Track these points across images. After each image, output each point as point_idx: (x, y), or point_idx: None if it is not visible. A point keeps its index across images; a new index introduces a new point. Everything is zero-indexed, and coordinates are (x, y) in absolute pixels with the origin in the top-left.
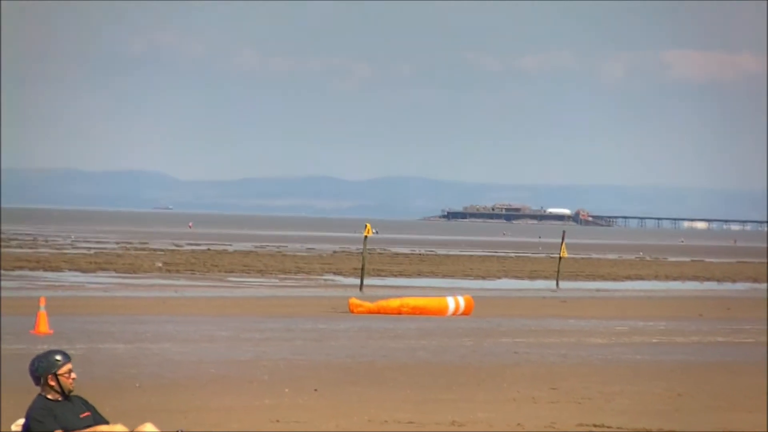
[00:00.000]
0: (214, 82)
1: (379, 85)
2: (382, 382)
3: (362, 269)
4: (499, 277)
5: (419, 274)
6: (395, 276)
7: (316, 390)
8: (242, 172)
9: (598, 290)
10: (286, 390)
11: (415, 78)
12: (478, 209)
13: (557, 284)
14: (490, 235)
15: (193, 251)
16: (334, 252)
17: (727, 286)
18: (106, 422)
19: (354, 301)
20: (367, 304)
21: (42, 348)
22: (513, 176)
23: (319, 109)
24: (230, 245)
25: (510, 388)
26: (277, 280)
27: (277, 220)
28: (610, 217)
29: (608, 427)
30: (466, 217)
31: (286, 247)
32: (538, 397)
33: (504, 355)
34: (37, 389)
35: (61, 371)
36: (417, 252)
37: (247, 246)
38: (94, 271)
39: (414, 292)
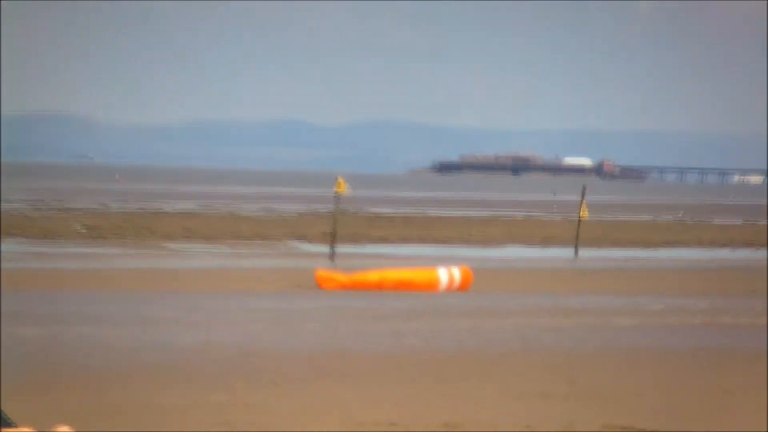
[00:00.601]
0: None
1: (358, 18)
2: (358, 375)
3: (333, 234)
4: (505, 244)
5: (404, 241)
6: (375, 242)
7: (275, 384)
8: (188, 116)
9: (626, 259)
10: (239, 384)
11: (403, 11)
12: (477, 160)
13: (576, 252)
14: (493, 191)
15: (122, 212)
16: (300, 213)
17: None
18: (11, 425)
19: (323, 273)
20: (340, 278)
21: None
22: (521, 121)
23: (288, 41)
24: (169, 204)
25: (517, 382)
26: (227, 248)
27: (230, 173)
28: (641, 168)
29: (639, 431)
30: (462, 170)
31: (240, 207)
32: (551, 393)
33: (510, 340)
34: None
35: None
36: (402, 213)
37: (190, 206)
38: None
39: (398, 263)
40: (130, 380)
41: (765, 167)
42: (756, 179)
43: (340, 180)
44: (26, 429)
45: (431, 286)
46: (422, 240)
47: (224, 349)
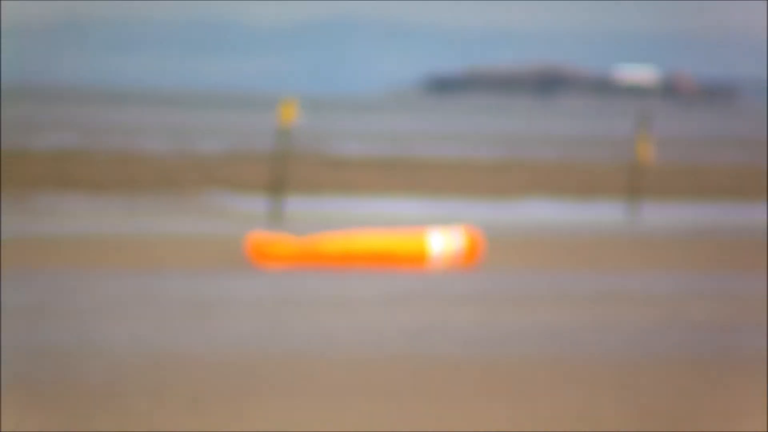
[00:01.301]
0: None
1: None
2: (309, 389)
3: (278, 183)
4: (529, 198)
5: (382, 193)
6: (338, 196)
7: (194, 404)
8: (62, 10)
9: (708, 220)
10: (143, 406)
11: None
12: (489, 73)
13: (633, 210)
14: (512, 119)
15: None
16: (229, 152)
17: None
18: None
19: (259, 240)
20: (285, 248)
21: None
22: (552, 16)
23: None
24: (36, 138)
25: (545, 400)
26: (121, 203)
27: (125, 93)
28: (732, 83)
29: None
30: (467, 89)
31: (142, 142)
32: (596, 416)
33: (535, 340)
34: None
35: None
36: (379, 153)
37: (68, 140)
38: None
39: (372, 226)
40: None
41: None
42: None
43: (288, 103)
44: None
45: (419, 259)
46: (408, 190)
47: (114, 352)
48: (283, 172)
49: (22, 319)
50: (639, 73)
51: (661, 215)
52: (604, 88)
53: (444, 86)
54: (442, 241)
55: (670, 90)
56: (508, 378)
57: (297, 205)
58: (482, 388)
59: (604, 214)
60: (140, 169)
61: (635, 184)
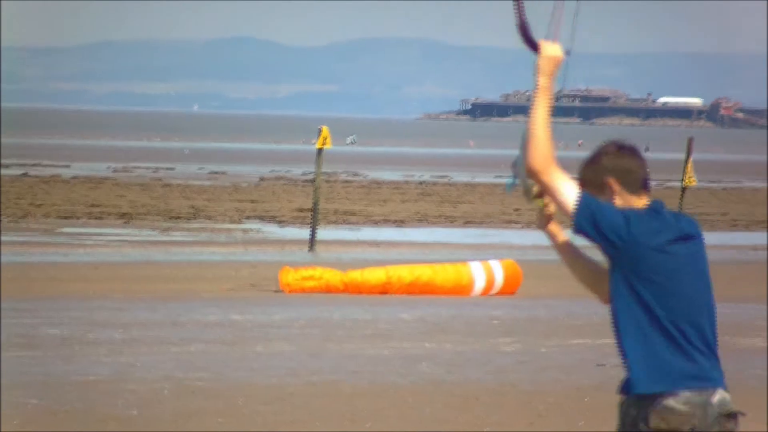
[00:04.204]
0: None
1: None
2: (352, 420)
3: (314, 211)
4: (569, 225)
5: (420, 220)
6: (376, 223)
7: (227, 427)
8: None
9: (754, 248)
10: None
11: None
12: (529, 98)
13: None
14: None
15: None
16: (261, 180)
17: None
18: None
19: (289, 273)
20: (322, 274)
21: None
22: (595, 40)
23: None
24: (67, 167)
25: (591, 428)
26: (155, 233)
27: (154, 119)
28: None
29: None
30: (507, 114)
31: (172, 170)
32: None
33: (579, 369)
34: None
35: None
36: (416, 179)
37: (97, 169)
38: None
39: (410, 255)
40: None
41: None
42: None
43: (324, 129)
44: None
45: (460, 288)
46: (446, 219)
47: (148, 382)
48: (318, 199)
49: (56, 349)
50: (684, 99)
51: (706, 240)
52: (648, 113)
53: (483, 111)
54: (482, 272)
55: (715, 115)
56: (549, 405)
57: (334, 234)
58: (517, 413)
59: None
60: (171, 197)
61: (679, 205)
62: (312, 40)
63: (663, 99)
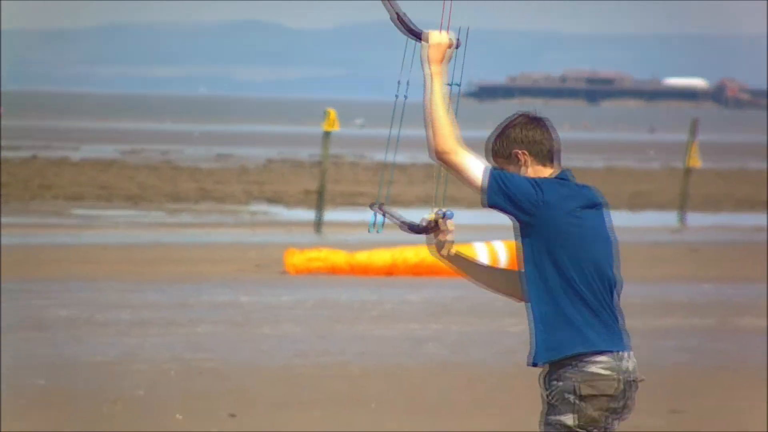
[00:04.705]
0: None
1: None
2: (359, 402)
3: (320, 193)
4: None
5: (426, 202)
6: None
7: (232, 416)
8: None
9: (757, 228)
10: (179, 416)
11: None
12: (535, 81)
13: (682, 218)
14: (558, 126)
15: (5, 160)
16: (268, 161)
17: None
18: None
19: (294, 254)
20: (327, 256)
21: None
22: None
23: None
24: (76, 149)
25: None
26: (163, 214)
27: (162, 102)
28: None
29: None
30: (513, 96)
31: (180, 152)
32: (652, 427)
33: None
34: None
35: None
36: (422, 161)
37: (106, 151)
38: None
39: (416, 237)
40: (22, 404)
41: None
42: None
43: (332, 112)
44: None
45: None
46: (453, 201)
47: (157, 363)
48: (325, 181)
49: (65, 330)
50: (689, 81)
51: (711, 222)
52: (653, 94)
53: (488, 94)
54: (487, 253)
55: (720, 97)
56: None
57: (339, 214)
58: (525, 396)
59: (651, 221)
60: (180, 179)
61: (684, 190)
62: (319, 24)
63: (668, 80)
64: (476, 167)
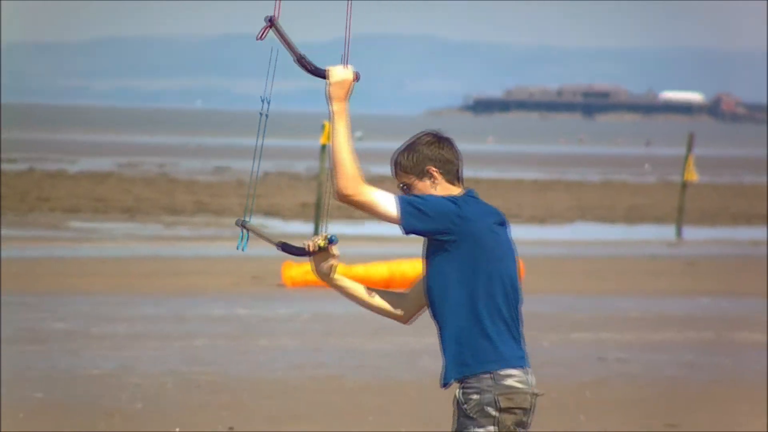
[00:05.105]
0: None
1: None
2: (355, 415)
3: (318, 206)
4: (571, 220)
5: None
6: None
7: (231, 429)
8: (92, 31)
9: (754, 242)
10: (177, 429)
11: None
12: (531, 94)
13: (679, 232)
14: (552, 141)
15: (3, 173)
16: (266, 174)
17: None
18: None
19: (292, 267)
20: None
21: None
22: (596, 36)
23: None
24: (72, 162)
25: (592, 425)
26: (160, 227)
27: (157, 114)
28: None
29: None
30: (509, 109)
31: (177, 165)
32: None
33: (580, 364)
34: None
35: None
36: None
37: (103, 164)
38: None
39: (415, 249)
40: (19, 416)
41: None
42: None
43: (328, 125)
44: None
45: None
46: None
47: (153, 376)
48: (323, 194)
49: (61, 343)
50: (685, 95)
51: (708, 236)
52: (649, 108)
53: (485, 107)
54: None
55: (717, 110)
56: (549, 400)
57: (336, 227)
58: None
59: (648, 235)
60: (177, 191)
61: (680, 204)
62: (315, 36)
63: (664, 94)
64: (384, 200)
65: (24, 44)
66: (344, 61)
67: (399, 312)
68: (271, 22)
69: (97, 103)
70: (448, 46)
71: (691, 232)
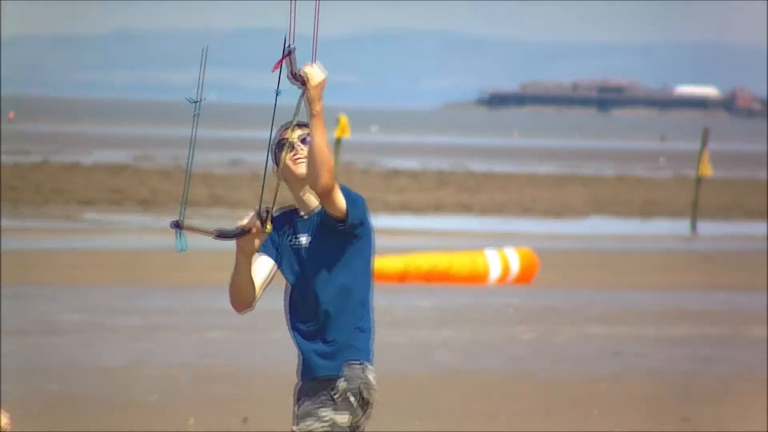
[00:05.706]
0: None
1: None
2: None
3: None
4: (586, 214)
5: (438, 209)
6: (394, 212)
7: (245, 420)
8: (108, 24)
9: None
10: (191, 420)
11: None
12: (546, 89)
13: (693, 227)
14: (569, 135)
15: (17, 165)
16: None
17: None
18: None
19: None
20: None
21: None
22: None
23: None
24: (88, 154)
25: (606, 420)
26: (172, 219)
27: (169, 107)
28: None
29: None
30: (524, 104)
31: (194, 157)
32: None
33: (595, 358)
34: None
35: None
36: (435, 168)
37: (118, 156)
38: None
39: (428, 242)
40: (33, 410)
41: None
42: None
43: (343, 118)
44: None
45: (477, 276)
46: (464, 208)
47: (169, 368)
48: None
49: (76, 335)
50: (700, 89)
51: (722, 231)
52: (664, 103)
53: (500, 101)
54: (499, 260)
55: (731, 105)
56: (565, 394)
57: None
58: (533, 402)
59: (663, 229)
60: (192, 183)
61: (695, 199)
62: (332, 31)
63: (679, 88)
64: (341, 195)
65: (41, 37)
66: (313, 58)
67: (251, 300)
68: (289, 52)
69: (113, 96)
70: (464, 42)
71: (705, 227)
